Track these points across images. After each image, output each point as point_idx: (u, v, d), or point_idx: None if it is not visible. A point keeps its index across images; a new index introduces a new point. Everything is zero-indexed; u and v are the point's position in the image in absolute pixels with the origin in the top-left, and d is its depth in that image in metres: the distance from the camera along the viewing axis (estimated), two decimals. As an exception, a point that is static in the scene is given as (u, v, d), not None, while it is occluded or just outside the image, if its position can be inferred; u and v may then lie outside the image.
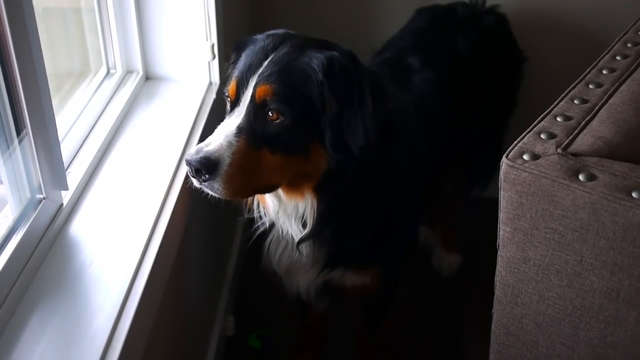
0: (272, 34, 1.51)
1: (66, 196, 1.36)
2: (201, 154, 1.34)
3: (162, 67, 1.95)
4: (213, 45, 1.88)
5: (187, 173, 1.41)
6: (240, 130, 1.37)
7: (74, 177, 1.43)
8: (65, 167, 1.41)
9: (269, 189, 1.47)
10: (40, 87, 1.22)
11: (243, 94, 1.41)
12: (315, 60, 1.39)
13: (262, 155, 1.38)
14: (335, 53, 1.41)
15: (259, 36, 1.51)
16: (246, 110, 1.39)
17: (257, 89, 1.38)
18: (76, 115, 1.61)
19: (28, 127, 1.23)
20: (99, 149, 1.55)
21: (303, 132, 1.40)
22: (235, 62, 1.50)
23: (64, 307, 1.14)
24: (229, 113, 1.44)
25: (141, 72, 1.93)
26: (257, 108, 1.38)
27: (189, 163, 1.35)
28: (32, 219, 1.22)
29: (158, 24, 1.89)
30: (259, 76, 1.40)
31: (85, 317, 1.13)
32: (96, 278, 1.21)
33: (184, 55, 1.92)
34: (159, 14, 1.87)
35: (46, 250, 1.25)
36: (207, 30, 1.86)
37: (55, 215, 1.31)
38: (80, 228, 1.33)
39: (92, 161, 1.51)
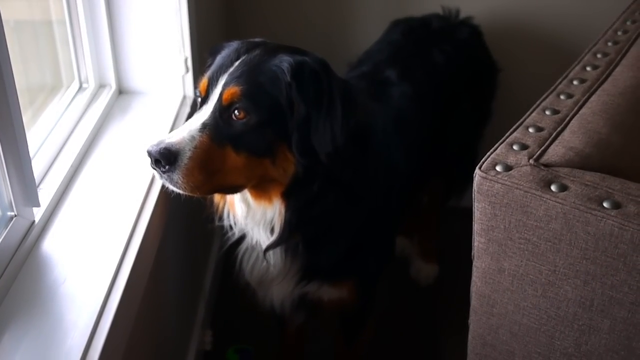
0: (249, 40, 1.52)
1: (38, 213, 1.34)
2: (161, 145, 1.35)
3: (135, 81, 1.94)
4: (186, 59, 1.87)
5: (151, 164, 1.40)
6: (204, 126, 1.38)
7: (46, 193, 1.41)
8: (37, 183, 1.39)
9: (233, 189, 1.47)
10: (10, 102, 1.21)
11: (212, 92, 1.43)
12: (285, 62, 1.40)
13: (226, 153, 1.39)
14: (306, 58, 1.42)
15: (232, 42, 1.52)
16: (213, 108, 1.40)
17: (225, 89, 1.39)
18: (48, 130, 1.59)
19: (-2, 143, 1.21)
20: (71, 165, 1.53)
21: (268, 133, 1.40)
22: (210, 66, 1.51)
23: (37, 326, 1.12)
24: (198, 110, 1.44)
25: (114, 86, 1.91)
26: (223, 106, 1.39)
27: (149, 153, 1.36)
28: (2, 236, 1.20)
29: (131, 37, 1.88)
30: (228, 75, 1.41)
31: (58, 335, 1.11)
32: (69, 296, 1.19)
33: (157, 69, 1.91)
34: (132, 27, 1.86)
35: (18, 268, 1.23)
36: (180, 43, 1.86)
37: (26, 233, 1.29)
38: (52, 245, 1.31)
39: (65, 177, 1.49)
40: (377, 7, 2.57)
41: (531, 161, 1.20)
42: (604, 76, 1.50)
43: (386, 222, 1.78)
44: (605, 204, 1.09)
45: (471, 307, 1.35)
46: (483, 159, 1.23)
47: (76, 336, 1.11)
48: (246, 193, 1.51)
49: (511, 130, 1.32)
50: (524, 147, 1.25)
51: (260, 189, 1.48)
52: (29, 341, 1.09)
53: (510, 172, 1.18)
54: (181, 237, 1.98)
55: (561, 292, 1.18)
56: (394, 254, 2.01)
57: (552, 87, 1.48)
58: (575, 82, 1.49)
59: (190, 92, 1.92)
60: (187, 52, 1.87)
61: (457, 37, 2.25)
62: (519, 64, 2.56)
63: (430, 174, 2.22)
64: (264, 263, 1.63)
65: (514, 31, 2.56)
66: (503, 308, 1.28)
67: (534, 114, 1.37)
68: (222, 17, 2.58)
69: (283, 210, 1.49)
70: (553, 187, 1.13)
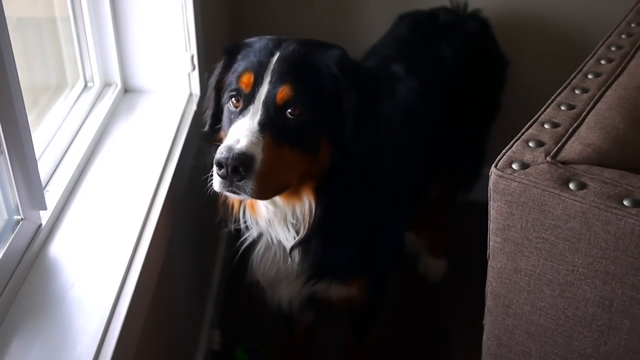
0: (264, 37, 1.50)
1: (45, 216, 1.32)
2: (236, 151, 1.29)
3: (140, 79, 1.91)
4: (193, 57, 1.85)
5: (220, 177, 1.32)
6: (262, 126, 1.34)
7: (52, 195, 1.39)
8: (43, 186, 1.37)
9: (283, 189, 1.42)
10: (14, 102, 1.19)
11: (258, 90, 1.39)
12: (327, 56, 1.42)
13: (283, 152, 1.36)
14: (340, 51, 1.44)
15: (251, 39, 1.50)
16: (263, 107, 1.37)
17: (278, 88, 1.37)
18: (53, 131, 1.57)
19: (3, 144, 1.19)
20: (77, 166, 1.51)
21: (318, 126, 1.40)
22: (228, 66, 1.48)
23: (45, 332, 1.11)
24: (242, 110, 1.39)
25: (119, 85, 1.89)
26: (278, 105, 1.37)
27: (224, 163, 1.28)
28: (9, 241, 1.18)
29: (136, 35, 1.85)
30: (273, 73, 1.39)
31: (68, 341, 1.09)
32: (78, 300, 1.17)
33: (163, 66, 1.89)
34: (137, 24, 1.84)
35: (25, 273, 1.21)
36: (186, 41, 1.83)
37: (33, 237, 1.27)
38: (60, 249, 1.29)
39: (71, 178, 1.47)
40: (384, 1, 2.54)
41: (548, 158, 1.18)
42: (619, 69, 1.48)
43: (395, 217, 1.76)
44: (625, 202, 1.06)
45: (486, 307, 1.33)
46: (499, 157, 1.21)
47: (86, 342, 1.09)
48: None
49: (526, 126, 1.29)
50: (540, 144, 1.22)
51: (294, 185, 1.45)
52: (37, 348, 1.08)
53: (526, 170, 1.16)
54: (189, 237, 1.96)
55: (579, 292, 1.15)
56: (403, 250, 1.99)
57: (567, 82, 1.45)
58: (590, 76, 1.46)
59: (196, 90, 1.90)
60: (194, 50, 1.84)
61: (465, 31, 2.22)
62: (528, 57, 2.53)
63: (438, 169, 2.19)
64: (282, 262, 1.60)
65: (523, 24, 2.53)
66: (519, 308, 1.25)
67: (549, 110, 1.34)
68: (227, 13, 2.55)
69: (313, 206, 1.46)
70: (571, 185, 1.11)
